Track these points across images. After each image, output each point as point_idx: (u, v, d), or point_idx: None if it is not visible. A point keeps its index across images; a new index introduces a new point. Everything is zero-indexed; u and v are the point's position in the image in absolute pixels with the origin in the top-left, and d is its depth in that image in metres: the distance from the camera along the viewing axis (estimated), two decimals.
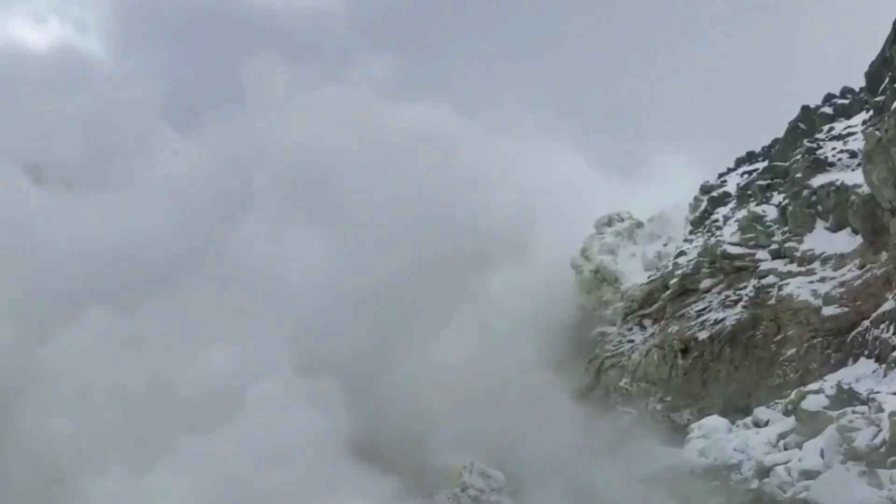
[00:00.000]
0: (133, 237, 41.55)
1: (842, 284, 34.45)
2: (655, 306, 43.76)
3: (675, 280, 42.51)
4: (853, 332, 32.68)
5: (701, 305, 40.36)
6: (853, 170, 36.80)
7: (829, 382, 29.41)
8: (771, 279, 37.56)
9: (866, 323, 32.10)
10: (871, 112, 35.89)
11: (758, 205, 41.42)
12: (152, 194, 46.26)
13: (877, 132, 32.59)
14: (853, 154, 37.68)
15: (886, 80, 33.56)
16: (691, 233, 46.91)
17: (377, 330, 43.62)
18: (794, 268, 37.24)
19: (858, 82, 40.03)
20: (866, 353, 31.39)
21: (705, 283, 40.86)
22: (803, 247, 37.52)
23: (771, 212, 40.34)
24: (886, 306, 31.32)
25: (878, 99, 34.18)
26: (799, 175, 39.04)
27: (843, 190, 36.22)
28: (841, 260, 35.43)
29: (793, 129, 43.14)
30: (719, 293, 39.95)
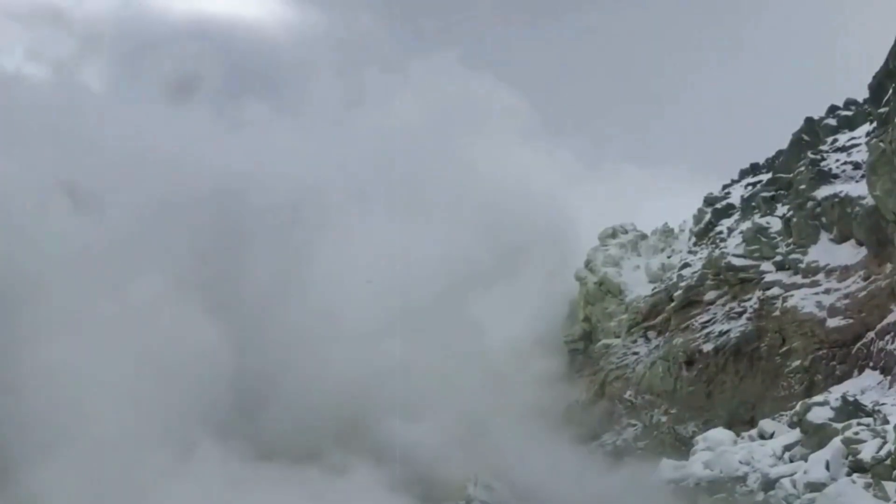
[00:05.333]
0: None
1: (846, 296, 34.41)
2: (660, 318, 43.71)
3: (679, 292, 42.46)
4: (858, 344, 32.65)
5: (705, 317, 40.29)
6: (857, 181, 36.80)
7: (835, 394, 29.31)
8: (775, 291, 37.53)
9: (871, 334, 32.06)
10: (874, 123, 35.89)
11: (762, 216, 41.40)
12: None
13: (881, 143, 32.60)
14: (857, 165, 37.69)
15: (890, 91, 33.54)
16: (695, 245, 46.86)
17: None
18: (798, 279, 37.21)
19: (862, 94, 40.09)
20: (871, 364, 31.34)
21: (710, 296, 40.80)
22: (808, 258, 37.49)
23: (775, 223, 40.31)
24: (891, 318, 31.28)
25: (882, 110, 34.17)
26: (803, 187, 39.05)
27: (848, 201, 36.22)
28: (845, 271, 35.38)
29: (797, 140, 43.11)
30: (724, 305, 39.89)
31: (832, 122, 42.59)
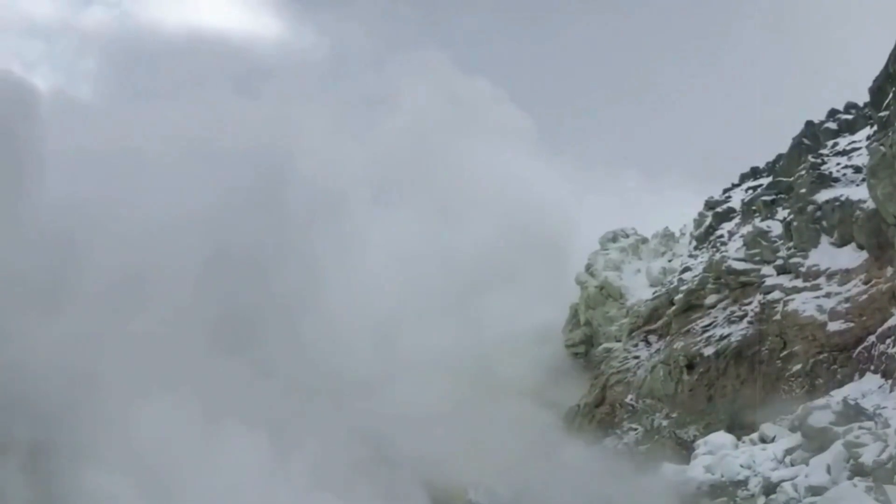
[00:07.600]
0: None
1: (847, 300, 34.37)
2: (661, 322, 43.70)
3: (680, 296, 42.46)
4: (859, 348, 32.58)
5: (706, 321, 40.25)
6: (858, 185, 36.77)
7: (836, 398, 29.27)
8: (776, 295, 37.48)
9: (872, 338, 32.00)
10: (875, 127, 35.92)
11: (762, 220, 41.39)
12: None
13: (881, 147, 32.59)
14: (858, 169, 37.67)
15: (890, 95, 33.59)
16: (696, 248, 46.88)
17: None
18: (799, 283, 37.17)
19: (862, 97, 40.10)
20: (872, 368, 31.26)
21: (710, 299, 40.79)
22: (808, 262, 37.46)
23: (776, 227, 40.29)
24: (892, 321, 31.23)
25: (883, 114, 34.21)
26: (803, 190, 39.03)
27: (848, 205, 36.19)
28: (846, 275, 35.35)
29: (797, 144, 43.11)
30: (724, 309, 39.86)
31: (832, 125, 42.58)
